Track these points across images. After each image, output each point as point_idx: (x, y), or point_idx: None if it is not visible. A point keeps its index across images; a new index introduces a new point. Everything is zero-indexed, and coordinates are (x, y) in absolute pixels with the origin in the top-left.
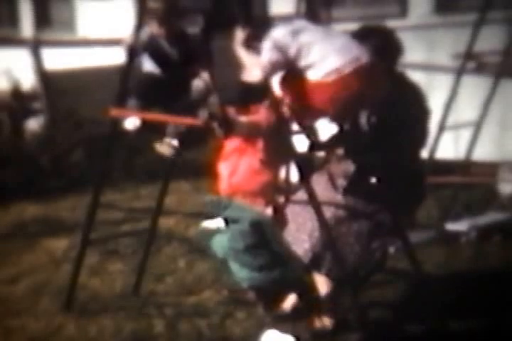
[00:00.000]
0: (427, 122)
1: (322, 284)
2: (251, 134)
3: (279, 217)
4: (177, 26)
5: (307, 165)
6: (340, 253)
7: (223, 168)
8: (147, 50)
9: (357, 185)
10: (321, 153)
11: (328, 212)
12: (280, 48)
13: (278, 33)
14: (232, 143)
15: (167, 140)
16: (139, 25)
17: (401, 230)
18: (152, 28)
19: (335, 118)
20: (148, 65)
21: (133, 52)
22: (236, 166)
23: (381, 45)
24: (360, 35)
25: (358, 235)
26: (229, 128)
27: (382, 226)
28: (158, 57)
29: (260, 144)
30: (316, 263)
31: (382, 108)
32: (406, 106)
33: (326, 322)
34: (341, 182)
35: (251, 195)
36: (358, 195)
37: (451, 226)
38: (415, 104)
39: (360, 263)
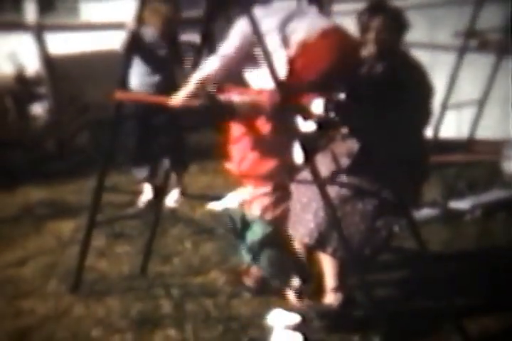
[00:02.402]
0: (431, 100)
1: (327, 263)
2: (254, 114)
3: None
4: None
5: (311, 146)
6: (345, 233)
7: (234, 152)
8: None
9: (361, 164)
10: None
11: (333, 192)
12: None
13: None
14: (238, 128)
15: None
16: (141, 11)
17: (405, 208)
18: (151, 26)
19: (323, 88)
20: None
21: (135, 36)
22: (246, 152)
23: (396, 17)
24: (379, 5)
25: (362, 214)
26: (227, 110)
27: (386, 205)
28: (144, 52)
29: (267, 127)
30: (321, 242)
31: (386, 86)
32: (409, 83)
33: (332, 300)
34: (345, 161)
35: (259, 179)
36: (362, 173)
37: (456, 204)
38: (418, 82)
39: (366, 242)
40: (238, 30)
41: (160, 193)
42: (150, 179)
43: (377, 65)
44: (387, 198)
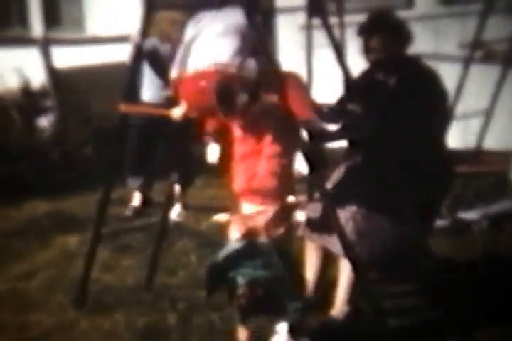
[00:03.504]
0: (446, 104)
1: (345, 276)
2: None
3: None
4: None
5: (316, 157)
6: (377, 241)
7: (241, 170)
8: (148, 58)
9: (382, 173)
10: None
11: (361, 200)
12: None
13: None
14: (246, 145)
15: None
16: (146, 23)
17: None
18: (164, 37)
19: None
20: None
21: (140, 49)
22: (255, 169)
23: (391, 33)
24: (371, 25)
25: (390, 220)
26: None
27: (414, 210)
28: (158, 66)
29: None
30: (351, 251)
31: (399, 97)
32: (421, 91)
33: (339, 313)
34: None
35: (268, 197)
36: (386, 182)
37: (463, 215)
38: (430, 88)
39: (395, 246)
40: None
41: (149, 203)
42: (143, 189)
43: (387, 79)
44: (414, 203)
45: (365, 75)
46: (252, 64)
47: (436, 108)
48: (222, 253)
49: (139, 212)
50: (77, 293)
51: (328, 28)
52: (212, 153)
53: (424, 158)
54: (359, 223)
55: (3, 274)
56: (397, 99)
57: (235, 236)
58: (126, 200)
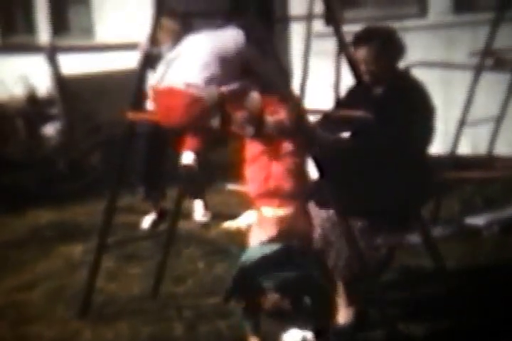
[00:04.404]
0: (432, 120)
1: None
2: (277, 133)
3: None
4: None
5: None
6: (343, 251)
7: (254, 173)
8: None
9: (358, 182)
10: None
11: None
12: None
13: None
14: (256, 146)
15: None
16: (154, 31)
17: (422, 225)
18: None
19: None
20: None
21: (149, 56)
22: (269, 169)
23: (382, 45)
24: (363, 36)
25: (361, 231)
26: (261, 126)
27: (386, 223)
28: None
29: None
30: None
31: (385, 107)
32: (409, 104)
33: (343, 318)
34: None
35: (288, 197)
36: (359, 191)
37: (473, 221)
38: (418, 102)
39: (366, 259)
40: None
41: (165, 215)
42: (157, 199)
43: (376, 92)
44: (386, 216)
45: (358, 86)
46: (232, 88)
47: (421, 121)
48: (249, 258)
49: (156, 224)
50: (80, 303)
51: (340, 36)
52: (187, 158)
53: (403, 170)
54: (327, 231)
55: (4, 284)
56: (382, 110)
57: (258, 240)
58: (133, 208)
